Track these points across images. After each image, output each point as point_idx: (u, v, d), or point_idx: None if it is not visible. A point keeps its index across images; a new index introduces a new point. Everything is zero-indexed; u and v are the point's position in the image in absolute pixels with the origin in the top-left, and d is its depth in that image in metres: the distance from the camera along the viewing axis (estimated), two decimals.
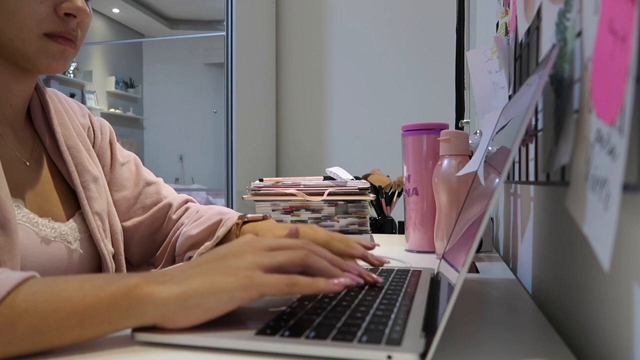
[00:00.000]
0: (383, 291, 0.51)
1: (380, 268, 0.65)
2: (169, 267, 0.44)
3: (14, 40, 0.61)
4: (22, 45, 0.61)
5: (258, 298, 0.40)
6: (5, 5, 0.59)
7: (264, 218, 0.79)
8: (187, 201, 0.88)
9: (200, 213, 0.83)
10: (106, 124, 0.85)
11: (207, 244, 0.75)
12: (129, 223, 0.81)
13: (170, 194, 0.87)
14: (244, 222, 0.77)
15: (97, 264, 0.73)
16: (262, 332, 0.38)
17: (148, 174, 0.87)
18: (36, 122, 0.72)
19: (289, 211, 1.08)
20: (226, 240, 0.77)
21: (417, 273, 0.62)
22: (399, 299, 0.48)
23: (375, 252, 0.92)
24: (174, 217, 0.84)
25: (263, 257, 0.42)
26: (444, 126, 0.92)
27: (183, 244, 0.80)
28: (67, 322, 0.37)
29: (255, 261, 0.42)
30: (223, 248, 0.45)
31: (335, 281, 0.42)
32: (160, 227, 0.84)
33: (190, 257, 0.79)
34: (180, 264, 0.80)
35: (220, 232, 0.76)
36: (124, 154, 0.86)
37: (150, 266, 0.86)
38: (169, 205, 0.85)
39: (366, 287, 0.53)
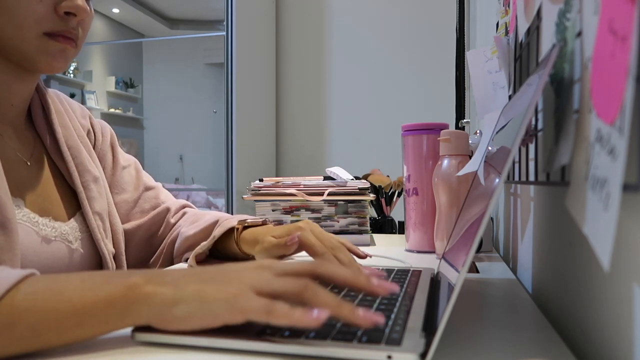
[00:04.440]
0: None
1: (381, 267, 0.66)
2: (172, 267, 0.44)
3: (14, 40, 0.61)
4: (22, 44, 0.61)
5: (242, 321, 0.38)
6: (4, 4, 0.59)
7: (264, 223, 0.79)
8: (184, 206, 0.88)
9: (197, 216, 0.83)
10: (107, 127, 0.85)
11: (203, 243, 0.75)
12: (127, 226, 0.81)
13: (168, 198, 0.88)
14: (244, 228, 0.77)
15: (98, 264, 0.73)
16: (262, 332, 0.38)
17: (148, 179, 0.87)
18: (37, 122, 0.72)
19: (289, 211, 1.08)
20: (225, 244, 0.77)
21: (417, 273, 0.62)
22: (399, 299, 0.48)
23: (376, 251, 0.92)
24: (172, 221, 0.85)
25: (260, 280, 0.39)
26: (444, 126, 0.92)
27: (181, 245, 0.80)
28: (66, 322, 0.37)
29: (250, 282, 0.39)
30: (234, 264, 0.43)
31: (313, 315, 0.36)
32: (158, 231, 0.84)
33: (187, 259, 0.79)
34: (183, 264, 0.80)
35: (217, 231, 0.75)
36: (125, 157, 0.86)
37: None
38: (167, 210, 0.85)
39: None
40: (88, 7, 0.65)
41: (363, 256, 0.71)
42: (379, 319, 0.36)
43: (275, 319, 0.37)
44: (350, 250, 0.69)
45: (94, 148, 0.81)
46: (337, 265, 0.43)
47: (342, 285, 0.41)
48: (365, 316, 0.36)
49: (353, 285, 0.40)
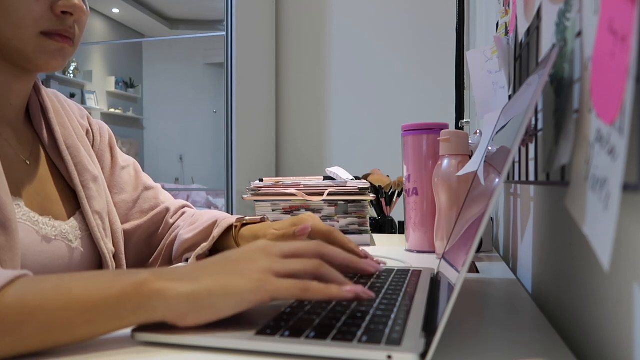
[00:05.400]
0: (383, 291, 0.51)
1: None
2: (177, 265, 0.44)
3: (12, 40, 0.61)
4: (20, 44, 0.61)
5: (268, 302, 0.40)
6: (2, 5, 0.59)
7: (262, 220, 0.79)
8: (184, 206, 0.88)
9: (195, 217, 0.83)
10: (105, 127, 0.85)
11: (204, 245, 0.75)
12: (127, 226, 0.81)
13: (167, 199, 0.88)
14: (243, 225, 0.77)
15: (97, 263, 0.73)
16: (262, 332, 0.38)
17: (147, 179, 0.87)
18: (35, 121, 0.72)
19: (289, 211, 1.08)
20: (224, 243, 0.77)
21: (417, 273, 0.62)
22: (399, 299, 0.48)
23: (376, 252, 0.92)
24: (171, 221, 0.85)
25: (277, 262, 0.42)
26: (444, 126, 0.92)
27: (179, 248, 0.80)
28: (76, 320, 0.37)
29: (268, 266, 0.42)
30: (235, 252, 0.45)
31: (348, 288, 0.42)
32: (157, 231, 0.84)
33: (187, 259, 0.79)
34: (183, 264, 0.80)
35: (216, 232, 0.76)
36: (124, 157, 0.86)
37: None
38: (166, 210, 0.85)
39: (366, 287, 0.53)
40: (84, 6, 0.65)
41: (362, 256, 0.71)
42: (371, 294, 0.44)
43: (312, 295, 0.40)
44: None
45: (92, 148, 0.81)
46: (337, 249, 0.48)
47: (342, 265, 0.47)
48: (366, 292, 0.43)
49: (352, 265, 0.49)
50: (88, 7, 0.68)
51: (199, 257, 0.76)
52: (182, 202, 0.89)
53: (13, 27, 0.60)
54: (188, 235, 0.79)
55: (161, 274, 0.40)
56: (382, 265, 0.62)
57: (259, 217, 0.80)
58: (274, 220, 0.80)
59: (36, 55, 0.62)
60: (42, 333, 0.36)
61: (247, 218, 0.79)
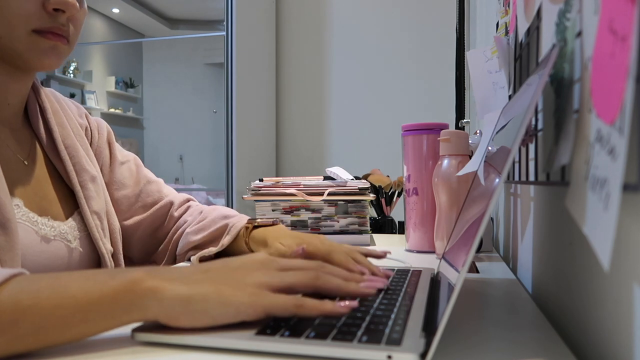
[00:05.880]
0: (383, 291, 0.51)
1: (381, 267, 0.65)
2: (175, 266, 0.44)
3: (4, 38, 0.61)
4: (12, 42, 0.61)
5: (263, 317, 0.40)
6: None
7: (274, 223, 0.79)
8: (188, 200, 0.88)
9: (203, 214, 0.83)
10: (103, 124, 0.85)
11: (212, 249, 0.76)
12: (130, 221, 0.81)
13: (171, 192, 0.88)
14: (254, 227, 0.77)
15: (96, 263, 0.73)
16: (262, 332, 0.38)
17: (148, 173, 0.87)
18: (33, 121, 0.72)
19: (289, 211, 1.08)
20: (234, 246, 0.77)
21: (417, 273, 0.62)
22: (399, 299, 0.48)
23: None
24: (176, 214, 0.84)
25: (273, 276, 0.43)
26: (444, 126, 0.92)
27: (185, 246, 0.80)
28: (70, 319, 0.37)
29: (264, 280, 0.42)
30: (235, 261, 0.45)
31: (342, 304, 0.41)
32: (162, 225, 0.84)
33: (189, 258, 0.79)
34: (184, 263, 0.80)
35: (226, 240, 0.76)
36: (123, 153, 0.86)
37: (152, 264, 0.86)
38: (170, 203, 0.85)
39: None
40: (77, 3, 0.64)
41: (382, 256, 0.66)
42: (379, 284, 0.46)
43: (307, 312, 0.40)
44: (366, 254, 0.66)
45: (91, 145, 0.80)
46: (337, 269, 0.47)
47: (335, 293, 0.45)
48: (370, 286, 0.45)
49: (344, 293, 0.45)
50: (85, 6, 0.67)
51: (202, 259, 0.76)
52: (185, 195, 0.89)
53: (5, 25, 0.60)
54: (196, 236, 0.78)
55: (156, 272, 0.40)
56: (384, 278, 0.57)
57: (271, 220, 0.79)
58: (277, 221, 0.80)
59: (29, 54, 0.62)
60: (36, 332, 0.36)
61: (258, 220, 0.78)
